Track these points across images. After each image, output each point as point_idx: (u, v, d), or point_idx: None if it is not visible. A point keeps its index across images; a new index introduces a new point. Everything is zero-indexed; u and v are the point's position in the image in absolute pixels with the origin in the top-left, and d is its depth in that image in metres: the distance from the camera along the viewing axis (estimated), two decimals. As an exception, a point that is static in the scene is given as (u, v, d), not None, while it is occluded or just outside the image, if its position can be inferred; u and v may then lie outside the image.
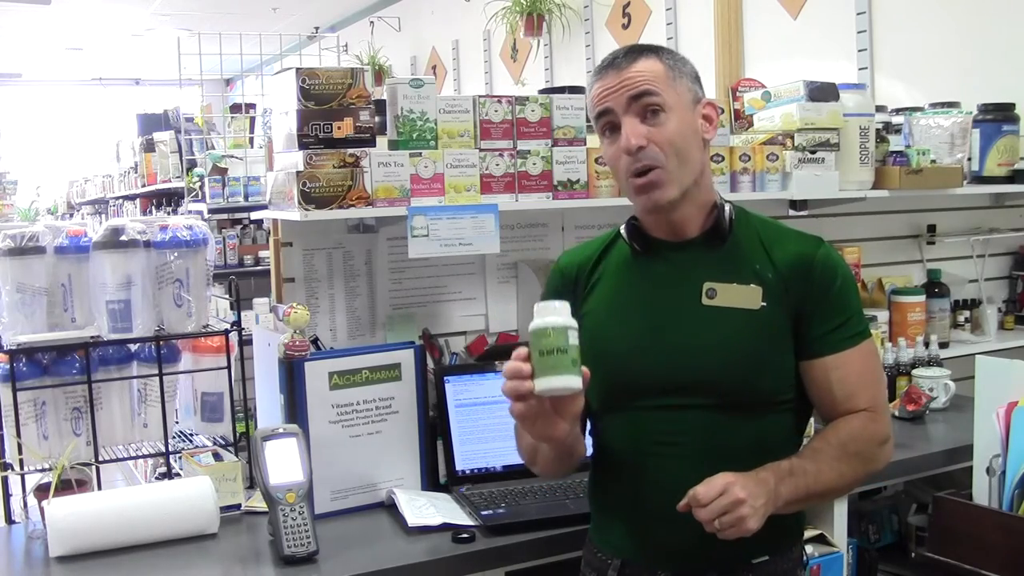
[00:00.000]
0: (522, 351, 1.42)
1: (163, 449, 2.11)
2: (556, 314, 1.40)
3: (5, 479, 1.96)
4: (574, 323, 1.41)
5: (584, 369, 1.41)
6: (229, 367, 2.16)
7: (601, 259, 1.69)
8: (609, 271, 1.67)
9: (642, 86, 1.53)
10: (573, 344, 1.39)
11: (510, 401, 1.43)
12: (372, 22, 8.53)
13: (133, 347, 2.10)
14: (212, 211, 5.44)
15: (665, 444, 1.55)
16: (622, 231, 1.66)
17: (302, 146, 2.09)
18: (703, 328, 1.55)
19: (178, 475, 2.17)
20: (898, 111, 3.28)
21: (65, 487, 1.88)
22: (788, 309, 1.54)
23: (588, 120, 2.51)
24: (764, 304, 1.54)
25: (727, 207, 1.61)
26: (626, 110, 1.54)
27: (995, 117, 3.08)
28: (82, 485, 1.95)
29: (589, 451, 1.69)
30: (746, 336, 1.53)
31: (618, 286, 1.65)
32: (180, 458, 2.13)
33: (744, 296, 1.54)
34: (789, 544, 1.61)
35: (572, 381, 1.39)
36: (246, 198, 5.33)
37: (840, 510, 2.15)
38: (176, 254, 2.09)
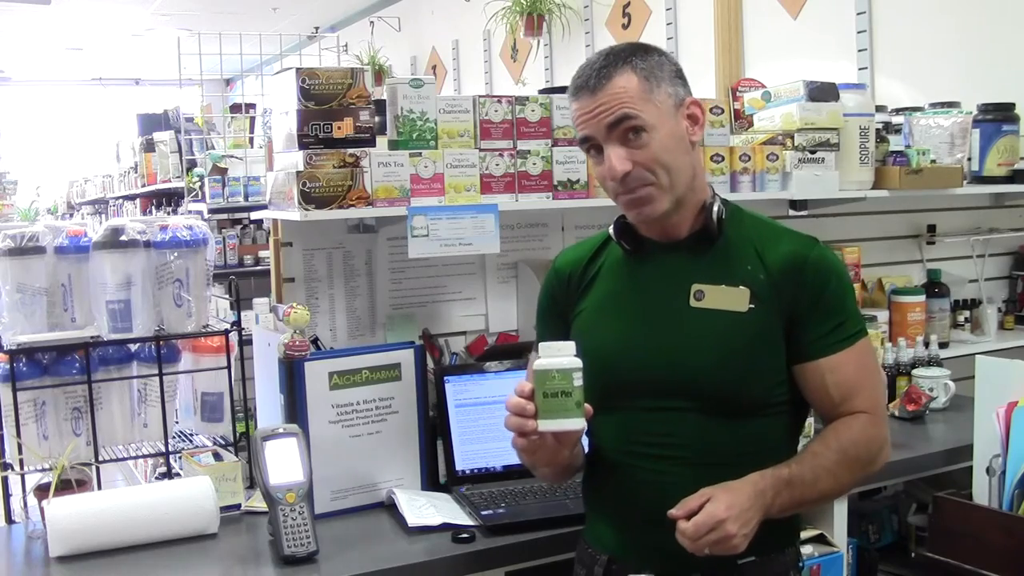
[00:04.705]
0: (525, 387, 1.44)
1: (163, 449, 2.11)
2: (561, 355, 1.42)
3: (5, 479, 1.96)
4: (579, 363, 1.42)
5: (587, 407, 1.43)
6: (229, 367, 2.16)
7: (595, 258, 1.68)
8: (603, 271, 1.66)
9: (619, 111, 1.49)
10: (577, 386, 1.41)
11: (513, 434, 1.47)
12: (372, 22, 8.53)
13: (133, 347, 2.10)
14: (212, 211, 5.43)
15: (653, 446, 1.54)
16: (610, 231, 1.65)
17: (302, 146, 2.09)
18: (689, 330, 1.54)
19: (178, 475, 2.17)
20: (898, 111, 3.28)
21: (65, 487, 1.88)
22: (779, 311, 1.52)
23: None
24: (752, 306, 1.52)
25: (716, 206, 1.57)
26: (607, 137, 1.51)
27: (995, 117, 3.07)
28: (82, 485, 1.95)
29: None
30: (732, 339, 1.51)
31: (610, 286, 1.64)
32: (180, 458, 2.13)
33: (731, 298, 1.53)
34: (780, 546, 1.58)
35: (576, 424, 1.42)
36: (246, 198, 5.33)
37: (840, 510, 2.15)
38: (176, 254, 2.09)
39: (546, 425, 1.42)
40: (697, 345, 1.53)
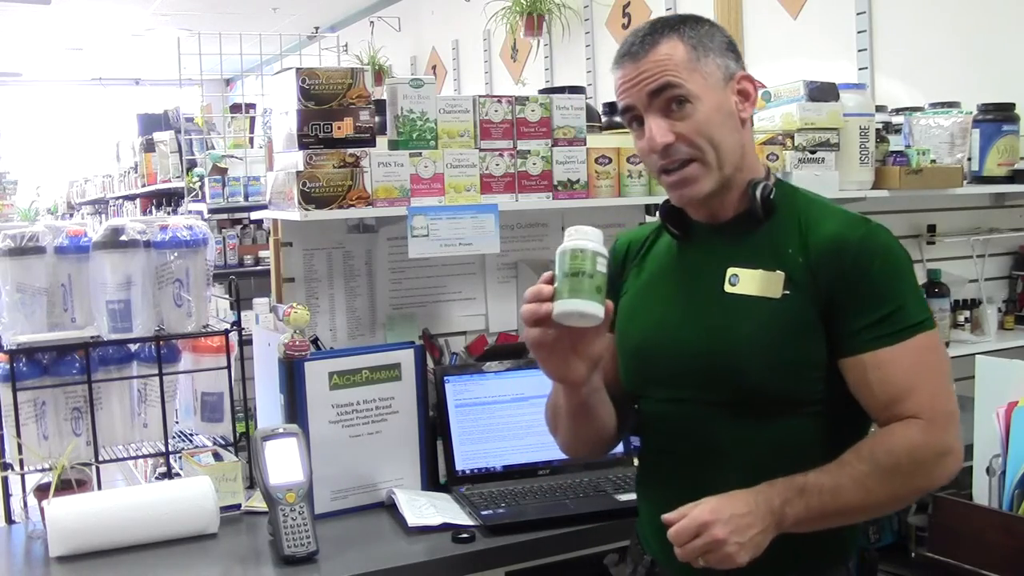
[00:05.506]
0: (547, 274, 1.34)
1: (163, 449, 2.11)
2: (586, 239, 1.32)
3: (5, 479, 1.96)
4: (604, 251, 1.32)
5: (608, 302, 1.32)
6: (229, 367, 2.16)
7: (652, 241, 1.60)
8: (652, 254, 1.58)
9: (661, 78, 1.40)
10: (600, 272, 1.30)
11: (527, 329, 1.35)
12: (372, 22, 8.53)
13: (133, 347, 2.10)
14: (212, 211, 5.43)
15: (680, 441, 1.47)
16: (658, 215, 1.55)
17: (302, 146, 2.09)
18: (718, 318, 1.44)
19: (178, 475, 2.17)
20: (898, 111, 3.28)
21: (65, 487, 1.89)
22: (816, 299, 1.39)
23: (591, 119, 2.54)
24: (787, 292, 1.40)
25: (762, 186, 1.46)
26: (648, 106, 1.42)
27: (995, 117, 3.07)
28: (82, 485, 1.95)
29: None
30: (763, 328, 1.40)
31: (655, 270, 1.56)
32: (180, 458, 2.13)
33: (765, 283, 1.41)
34: (826, 563, 1.45)
35: (592, 308, 1.29)
36: (246, 198, 5.32)
37: (840, 510, 2.14)
38: (176, 254, 2.09)
39: (562, 306, 1.29)
40: (725, 334, 1.42)
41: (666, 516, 1.34)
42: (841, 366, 1.40)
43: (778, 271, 1.41)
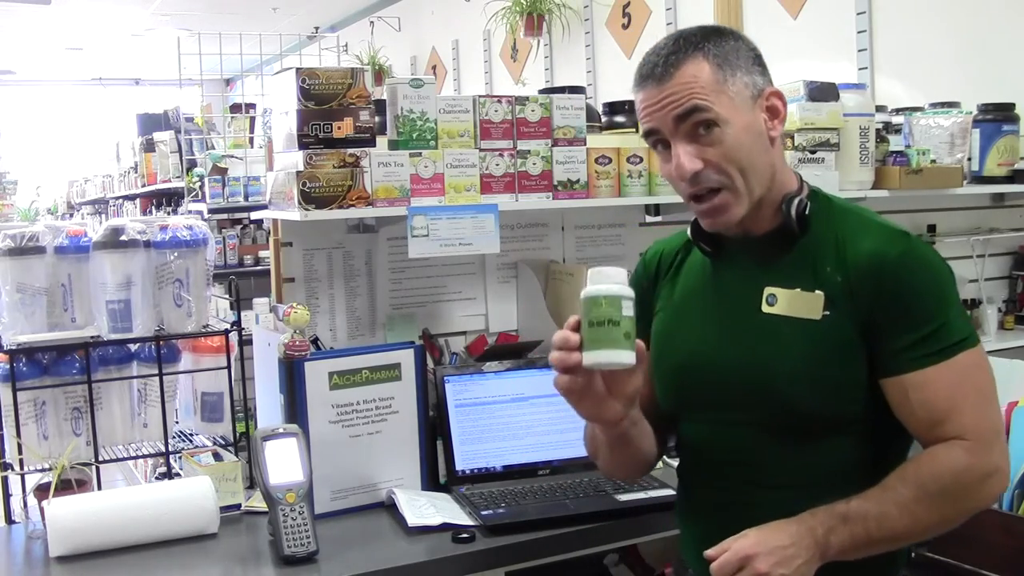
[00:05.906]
0: (573, 319, 1.30)
1: (163, 449, 2.11)
2: (610, 282, 1.28)
3: (5, 479, 1.96)
4: (630, 292, 1.28)
5: (639, 343, 1.29)
6: (229, 367, 2.15)
7: (681, 253, 1.56)
8: (686, 268, 1.54)
9: (688, 102, 1.34)
10: (627, 316, 1.27)
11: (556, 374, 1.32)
12: (372, 22, 8.54)
13: (133, 347, 2.10)
14: (212, 211, 5.43)
15: (721, 461, 1.45)
16: (688, 232, 1.51)
17: (302, 146, 2.09)
18: (757, 339, 1.40)
19: (178, 475, 2.17)
20: (898, 111, 3.28)
21: (65, 487, 1.88)
22: (855, 318, 1.35)
23: (591, 119, 2.54)
24: (827, 313, 1.36)
25: (797, 201, 1.41)
26: (674, 132, 1.36)
27: (995, 117, 3.08)
28: (82, 485, 1.95)
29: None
30: (803, 350, 1.37)
31: (689, 288, 1.52)
32: (180, 458, 2.13)
33: (804, 304, 1.37)
34: None
35: (622, 356, 1.27)
36: (246, 198, 5.33)
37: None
38: (176, 254, 2.09)
39: (591, 357, 1.26)
40: (765, 355, 1.39)
41: (708, 552, 1.31)
42: (882, 385, 1.37)
43: (817, 291, 1.37)
